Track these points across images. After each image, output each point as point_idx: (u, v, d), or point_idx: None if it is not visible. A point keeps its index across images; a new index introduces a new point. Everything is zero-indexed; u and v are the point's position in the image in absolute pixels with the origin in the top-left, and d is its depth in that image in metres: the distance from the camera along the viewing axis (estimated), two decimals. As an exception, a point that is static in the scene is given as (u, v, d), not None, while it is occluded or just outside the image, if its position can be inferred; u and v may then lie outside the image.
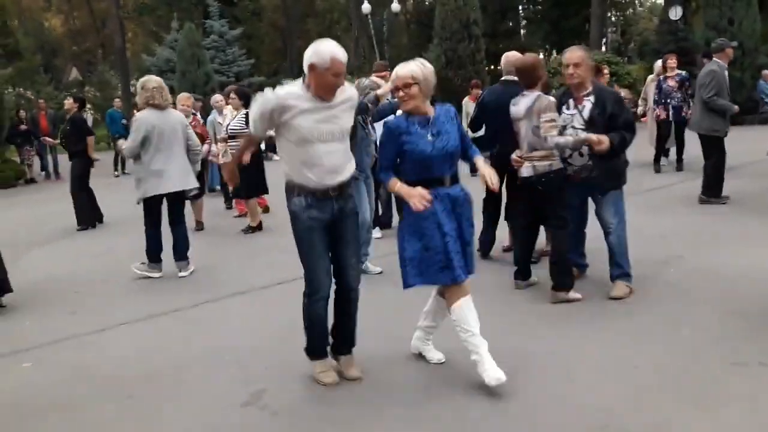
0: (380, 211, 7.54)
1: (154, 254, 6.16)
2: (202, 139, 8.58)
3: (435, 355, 3.85)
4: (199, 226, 8.53)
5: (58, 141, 10.76)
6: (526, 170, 4.78)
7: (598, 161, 4.64)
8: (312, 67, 3.28)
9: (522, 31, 37.12)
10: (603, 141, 4.48)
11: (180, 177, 6.09)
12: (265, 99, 3.35)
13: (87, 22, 48.01)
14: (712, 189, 7.78)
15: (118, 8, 36.75)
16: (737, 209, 7.40)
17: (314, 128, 3.33)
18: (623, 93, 8.84)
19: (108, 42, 44.58)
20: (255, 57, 28.72)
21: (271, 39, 39.89)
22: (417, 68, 3.48)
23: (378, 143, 3.93)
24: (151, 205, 6.03)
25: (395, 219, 7.38)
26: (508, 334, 4.22)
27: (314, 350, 3.68)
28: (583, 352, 3.83)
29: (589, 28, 28.50)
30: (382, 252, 6.09)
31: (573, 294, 4.76)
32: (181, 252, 6.25)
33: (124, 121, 16.98)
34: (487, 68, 21.71)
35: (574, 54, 4.64)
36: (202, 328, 4.80)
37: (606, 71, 10.49)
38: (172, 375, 3.94)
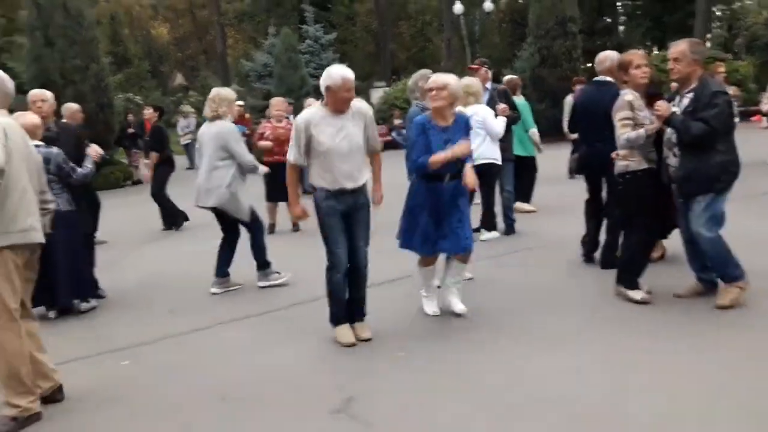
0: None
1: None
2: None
3: (458, 306, 4.75)
4: (295, 227, 8.66)
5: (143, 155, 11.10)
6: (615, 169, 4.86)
7: (683, 162, 4.41)
8: (328, 88, 4.10)
9: (621, 28, 35.72)
10: (661, 107, 4.35)
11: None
12: (295, 127, 4.23)
13: (190, 30, 50.29)
14: None
15: (220, 15, 38.32)
16: None
17: (332, 137, 4.12)
18: (731, 91, 8.25)
19: (210, 48, 46.54)
20: (348, 61, 29.10)
21: (365, 42, 40.31)
22: (452, 79, 4.51)
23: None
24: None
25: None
26: (610, 344, 4.00)
27: (337, 319, 4.42)
28: (692, 371, 3.56)
29: (693, 24, 27.06)
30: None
31: (636, 294, 4.64)
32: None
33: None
34: (583, 66, 21.00)
35: (674, 48, 4.49)
36: (295, 329, 4.83)
37: (721, 69, 9.87)
38: (264, 377, 3.98)
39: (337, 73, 4.08)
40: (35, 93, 5.87)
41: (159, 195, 9.51)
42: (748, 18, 35.43)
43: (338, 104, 4.14)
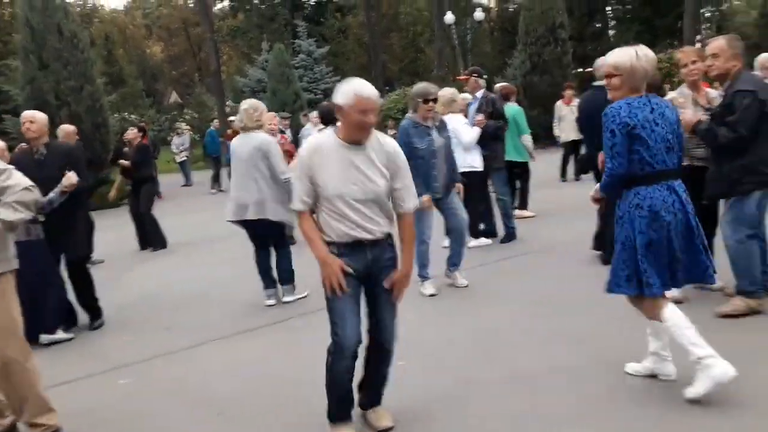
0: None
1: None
2: (291, 155, 8.72)
3: (670, 368, 3.52)
4: (290, 239, 8.66)
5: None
6: None
7: (709, 163, 4.40)
8: (339, 108, 3.09)
9: (611, 32, 35.94)
10: (684, 118, 4.08)
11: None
12: (298, 158, 3.22)
13: (184, 48, 50.54)
14: None
15: (213, 33, 38.48)
16: None
17: (339, 178, 3.08)
18: (718, 92, 8.33)
19: (204, 65, 46.72)
20: (341, 73, 29.28)
21: (357, 55, 40.53)
22: (622, 58, 3.33)
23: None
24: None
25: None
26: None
27: (333, 416, 3.29)
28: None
29: (682, 26, 27.23)
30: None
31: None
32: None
33: (220, 140, 18.32)
34: (574, 72, 21.13)
35: (713, 44, 4.37)
36: (291, 343, 4.86)
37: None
38: (261, 392, 4.01)
39: (349, 87, 3.07)
40: (25, 114, 5.77)
41: (145, 215, 9.44)
42: (736, 18, 35.70)
43: (350, 130, 3.09)
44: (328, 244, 3.15)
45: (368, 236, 3.13)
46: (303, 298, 5.93)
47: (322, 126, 8.38)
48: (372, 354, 3.36)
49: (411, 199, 3.23)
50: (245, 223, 5.77)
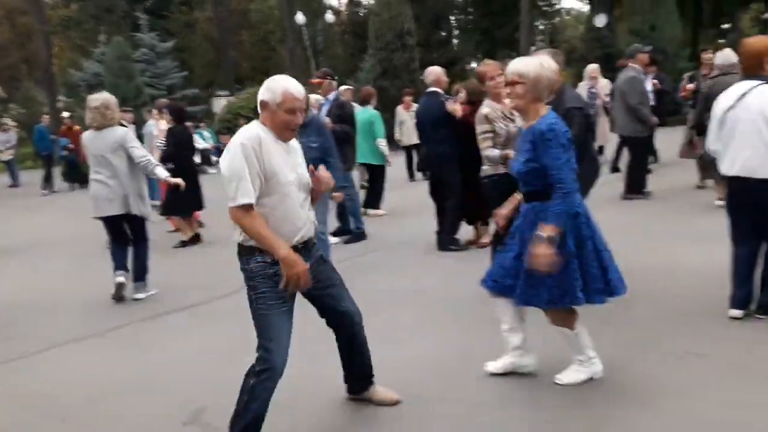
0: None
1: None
2: None
3: (531, 359, 3.56)
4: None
5: None
6: None
7: None
8: (264, 104, 2.94)
9: (455, 41, 37.72)
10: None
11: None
12: (240, 151, 2.81)
13: (9, 37, 46.17)
14: (635, 186, 8.21)
15: (44, 23, 35.54)
16: (661, 207, 7.70)
17: (287, 165, 2.95)
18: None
19: (33, 57, 42.93)
20: (188, 69, 28.23)
21: (205, 51, 39.23)
22: (527, 66, 3.20)
23: None
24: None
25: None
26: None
27: None
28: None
29: (519, 37, 29.19)
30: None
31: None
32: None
33: (53, 137, 17.07)
34: (421, 77, 21.96)
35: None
36: (138, 347, 4.64)
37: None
38: (109, 397, 3.79)
39: (278, 85, 2.92)
40: None
41: None
42: (566, 32, 38.91)
43: (278, 129, 2.93)
44: (260, 252, 2.86)
45: (312, 233, 3.06)
46: (152, 294, 5.83)
47: (171, 125, 8.09)
48: (349, 337, 3.27)
49: None
50: (110, 219, 5.64)
